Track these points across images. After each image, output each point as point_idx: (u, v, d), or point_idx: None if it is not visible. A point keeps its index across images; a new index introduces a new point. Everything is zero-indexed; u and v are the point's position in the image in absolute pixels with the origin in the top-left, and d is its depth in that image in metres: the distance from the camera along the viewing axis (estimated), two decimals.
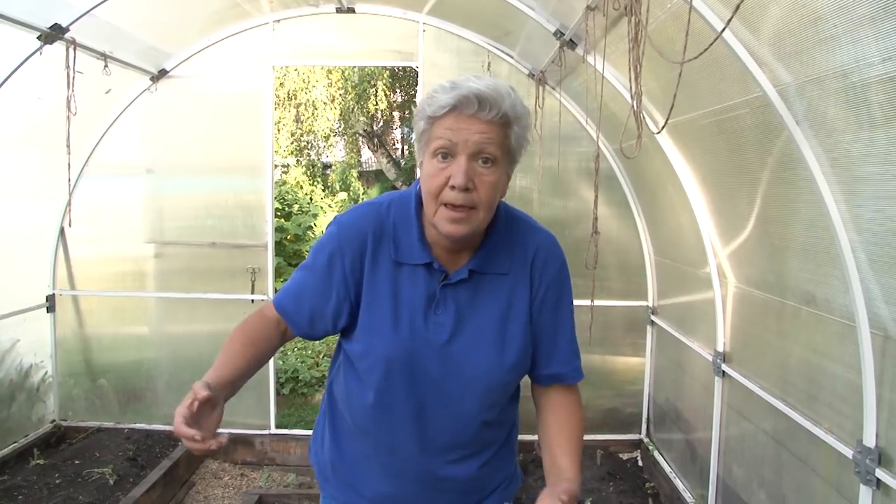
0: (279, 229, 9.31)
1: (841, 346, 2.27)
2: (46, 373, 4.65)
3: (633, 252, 4.64)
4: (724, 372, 3.35)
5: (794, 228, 2.47)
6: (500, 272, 1.58)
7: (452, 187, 1.40)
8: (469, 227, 1.44)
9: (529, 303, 1.60)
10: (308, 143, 13.80)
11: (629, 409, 4.80)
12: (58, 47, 3.46)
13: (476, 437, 1.63)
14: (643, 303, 4.68)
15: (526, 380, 1.69)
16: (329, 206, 12.86)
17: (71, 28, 3.40)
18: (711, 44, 1.57)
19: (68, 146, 3.56)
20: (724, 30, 1.60)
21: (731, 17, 1.57)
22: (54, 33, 3.32)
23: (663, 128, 2.15)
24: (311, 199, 11.77)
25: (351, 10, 4.45)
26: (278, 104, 12.58)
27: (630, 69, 1.80)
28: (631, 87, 1.79)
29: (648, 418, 4.74)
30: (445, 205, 1.43)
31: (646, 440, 4.69)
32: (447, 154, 1.42)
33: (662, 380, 4.54)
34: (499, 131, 1.41)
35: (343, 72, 12.74)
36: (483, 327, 1.56)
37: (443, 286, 1.55)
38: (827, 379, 2.40)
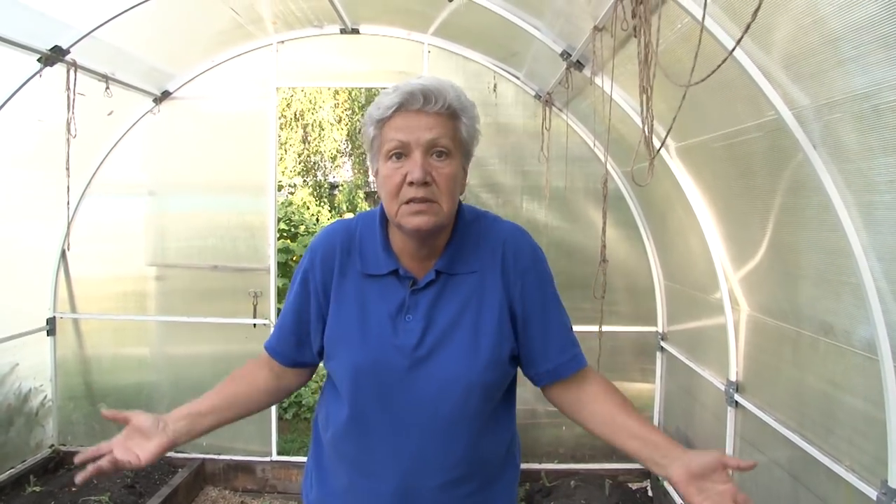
0: (285, 250, 9.24)
1: (862, 379, 2.17)
2: (46, 397, 4.58)
3: (642, 276, 4.55)
4: (736, 402, 3.24)
5: (810, 256, 2.38)
6: (468, 271, 1.55)
7: (411, 183, 1.41)
8: (434, 219, 1.44)
9: (505, 296, 1.55)
10: (315, 163, 13.80)
11: None
12: (58, 69, 3.42)
13: (466, 455, 1.53)
14: (652, 328, 4.58)
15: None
16: None
17: (72, 50, 3.36)
18: (722, 63, 1.50)
19: (68, 169, 3.51)
20: (734, 48, 1.53)
21: (742, 36, 1.49)
22: (55, 55, 3.28)
23: (661, 146, 2.05)
24: (317, 219, 11.72)
25: (355, 31, 4.42)
26: (285, 125, 12.58)
27: (641, 92, 1.73)
28: (642, 111, 1.72)
29: None
30: (407, 202, 1.43)
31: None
32: (401, 154, 1.43)
33: (673, 407, 4.43)
34: (448, 123, 1.44)
35: (350, 93, 12.75)
36: (454, 326, 1.52)
37: (412, 292, 1.53)
38: (846, 413, 2.30)
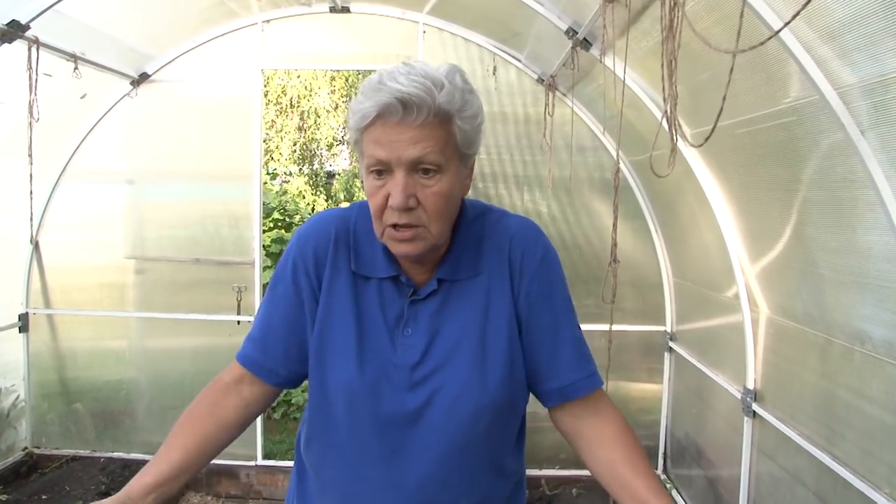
0: (279, 240, 9.01)
1: None
2: (18, 397, 4.35)
3: (650, 271, 4.30)
4: (754, 412, 2.99)
5: (849, 258, 2.11)
6: (473, 274, 1.34)
7: (392, 207, 1.19)
8: (422, 245, 1.23)
9: (512, 298, 1.33)
10: (311, 151, 13.54)
11: (644, 442, 4.43)
12: (19, 47, 3.14)
13: (473, 486, 1.32)
14: (660, 327, 4.33)
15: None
16: None
17: (32, 25, 3.08)
18: (767, 40, 1.23)
19: (30, 156, 3.25)
20: (782, 28, 1.25)
21: (795, 16, 1.22)
22: (12, 31, 3.00)
23: (674, 137, 1.77)
24: (313, 208, 11.48)
25: (346, 10, 4.14)
26: (280, 111, 12.31)
27: (663, 65, 1.45)
28: (664, 88, 1.45)
29: (665, 452, 4.39)
30: (392, 226, 1.22)
31: (662, 476, 4.34)
32: (382, 171, 1.20)
33: (681, 412, 4.19)
34: (437, 133, 1.18)
35: (347, 78, 12.47)
36: (459, 339, 1.30)
37: (411, 302, 1.32)
38: (888, 435, 2.04)
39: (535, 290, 1.34)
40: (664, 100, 1.46)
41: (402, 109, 1.14)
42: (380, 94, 1.15)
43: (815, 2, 1.66)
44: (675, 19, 1.41)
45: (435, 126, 1.18)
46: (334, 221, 1.38)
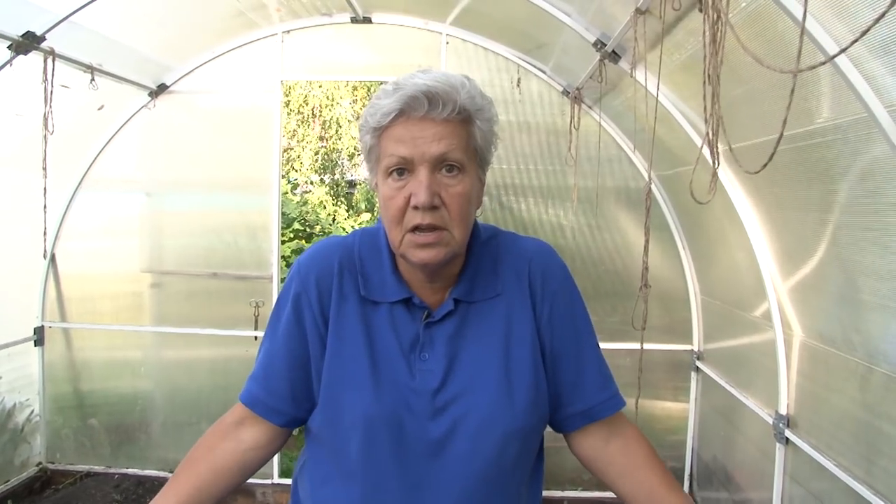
0: (299, 251, 8.97)
1: None
2: (33, 411, 4.31)
3: (677, 288, 4.17)
4: (787, 439, 2.86)
5: (894, 283, 1.98)
6: (490, 296, 1.29)
7: (416, 207, 1.15)
8: (444, 251, 1.18)
9: (534, 321, 1.29)
10: (332, 161, 13.52)
11: (670, 463, 4.30)
12: (35, 58, 3.10)
13: None
14: (687, 346, 4.20)
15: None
16: (352, 226, 12.47)
17: (48, 37, 3.04)
18: (827, 61, 1.11)
19: (44, 168, 3.19)
20: (840, 53, 1.14)
21: (854, 42, 1.10)
22: (27, 42, 2.96)
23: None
24: (333, 218, 11.43)
25: (367, 20, 4.08)
26: (302, 121, 12.30)
27: (705, 83, 1.34)
28: (706, 108, 1.33)
29: (692, 474, 4.25)
30: (412, 230, 1.16)
31: None
32: (403, 170, 1.16)
33: (709, 434, 4.05)
34: (459, 131, 1.17)
35: (369, 88, 12.45)
36: (481, 364, 1.25)
37: (426, 325, 1.25)
38: None
39: (557, 312, 1.30)
40: (705, 120, 1.35)
41: (427, 103, 1.13)
42: (401, 90, 1.13)
43: (863, 16, 1.55)
44: (718, 33, 1.30)
45: (457, 124, 1.16)
46: (336, 249, 1.32)
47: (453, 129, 1.16)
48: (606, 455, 1.33)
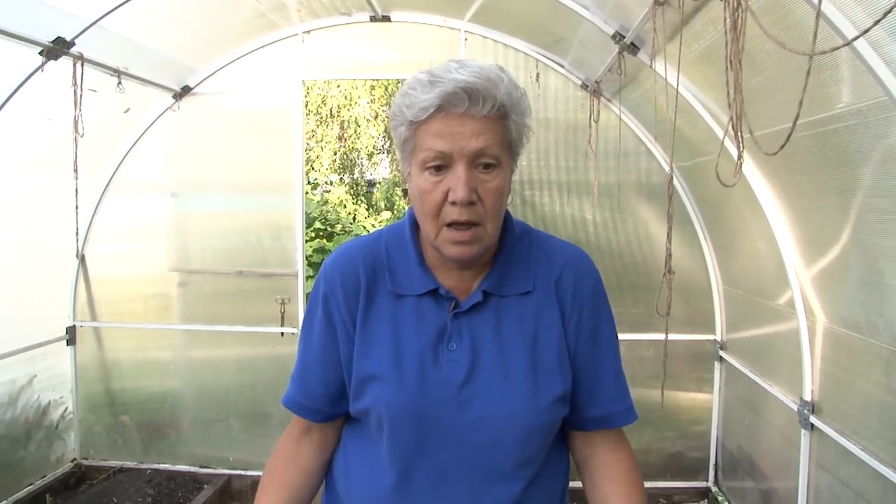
0: (321, 251, 9.04)
1: None
2: (66, 409, 4.39)
3: (699, 278, 4.17)
4: (812, 425, 2.87)
5: None
6: (521, 292, 1.31)
7: (454, 203, 1.16)
8: (478, 248, 1.21)
9: (562, 325, 1.30)
10: (352, 160, 13.58)
11: (694, 454, 4.31)
12: (64, 63, 3.17)
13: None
14: (710, 336, 4.19)
15: None
16: (373, 225, 12.55)
17: (77, 42, 3.11)
18: (843, 45, 1.14)
19: (75, 171, 3.26)
20: (858, 37, 1.16)
21: (875, 24, 1.13)
22: (58, 48, 3.02)
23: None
24: (354, 217, 11.51)
25: (386, 19, 4.11)
26: (321, 121, 12.37)
27: (727, 69, 1.37)
28: (729, 94, 1.36)
29: (717, 464, 4.25)
30: (449, 224, 1.18)
31: (714, 489, 4.20)
32: (441, 166, 1.17)
33: (733, 423, 4.05)
34: (497, 127, 1.18)
35: (387, 87, 12.50)
36: (509, 358, 1.26)
37: (454, 315, 1.28)
38: None
39: (585, 321, 1.32)
40: (728, 105, 1.38)
41: (467, 100, 1.13)
42: (440, 85, 1.13)
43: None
44: (739, 20, 1.33)
45: (494, 120, 1.17)
46: (360, 249, 1.35)
47: (491, 125, 1.17)
48: (592, 460, 1.36)
